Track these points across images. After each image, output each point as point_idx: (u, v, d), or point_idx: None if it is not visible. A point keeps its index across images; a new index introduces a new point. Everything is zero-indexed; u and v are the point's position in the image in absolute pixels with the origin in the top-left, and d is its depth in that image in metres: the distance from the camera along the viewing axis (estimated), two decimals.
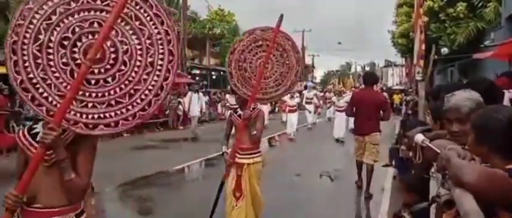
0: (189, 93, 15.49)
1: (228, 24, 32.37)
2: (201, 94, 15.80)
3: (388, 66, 57.17)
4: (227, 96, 17.20)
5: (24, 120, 11.36)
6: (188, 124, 16.66)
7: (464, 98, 2.12)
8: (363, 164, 6.79)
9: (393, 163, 6.82)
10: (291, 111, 14.43)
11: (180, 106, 17.04)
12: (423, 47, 8.35)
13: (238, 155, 4.33)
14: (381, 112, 6.71)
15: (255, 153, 4.48)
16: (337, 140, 13.15)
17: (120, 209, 6.43)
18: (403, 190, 3.03)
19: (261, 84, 4.22)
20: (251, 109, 4.27)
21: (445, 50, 15.68)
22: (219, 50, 31.70)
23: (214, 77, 30.76)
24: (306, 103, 17.06)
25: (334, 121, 14.16)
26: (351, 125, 10.91)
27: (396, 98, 24.35)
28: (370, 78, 7.26)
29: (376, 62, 74.01)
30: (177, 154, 10.75)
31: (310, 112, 16.88)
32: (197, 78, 25.27)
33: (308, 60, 53.13)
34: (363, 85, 7.83)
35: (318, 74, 78.65)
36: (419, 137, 2.20)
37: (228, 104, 16.14)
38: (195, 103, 14.96)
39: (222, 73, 29.54)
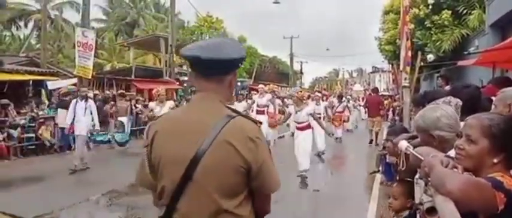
0: (74, 100, 9.99)
1: (216, 31, 32.42)
2: (91, 101, 10.11)
3: (375, 72, 57.71)
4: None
5: (8, 128, 11.25)
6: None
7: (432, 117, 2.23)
8: (373, 131, 14.17)
9: (380, 169, 6.88)
10: None
11: None
12: (409, 53, 8.45)
13: None
14: (380, 106, 14.89)
15: None
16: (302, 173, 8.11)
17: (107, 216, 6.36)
18: (401, 196, 3.04)
19: None
20: None
21: (431, 57, 15.88)
22: None
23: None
24: (257, 113, 12.24)
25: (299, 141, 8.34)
26: (333, 131, 13.85)
27: (386, 103, 24.53)
28: (375, 89, 17.51)
29: (364, 68, 74.63)
30: None
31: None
32: (185, 84, 25.22)
33: (296, 67, 53.37)
34: (372, 93, 16.71)
35: (307, 80, 78.97)
36: (403, 144, 2.22)
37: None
38: (80, 115, 9.56)
39: None
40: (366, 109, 15.93)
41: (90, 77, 15.65)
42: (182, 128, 1.74)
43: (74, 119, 9.55)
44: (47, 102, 14.23)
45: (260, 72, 38.41)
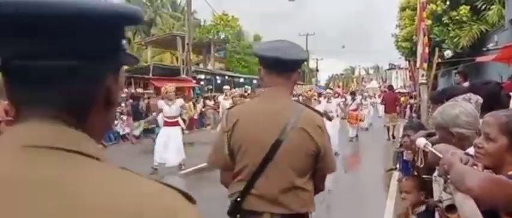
0: None
1: (232, 29, 32.50)
2: None
3: (392, 69, 57.11)
4: (221, 98, 12.93)
5: None
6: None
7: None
8: (389, 126, 14.63)
9: (397, 166, 6.84)
10: None
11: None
12: (426, 50, 8.38)
13: None
14: (396, 102, 15.87)
15: None
16: None
17: None
18: (412, 189, 3.05)
19: None
20: None
21: (448, 53, 15.67)
22: (224, 55, 31.84)
23: (218, 81, 30.92)
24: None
25: None
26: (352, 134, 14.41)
27: (403, 100, 24.30)
28: (391, 86, 18.69)
29: (380, 65, 73.96)
30: None
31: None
32: (202, 82, 25.36)
33: (312, 64, 53.18)
34: (388, 90, 17.93)
35: (322, 78, 78.65)
36: (421, 141, 2.23)
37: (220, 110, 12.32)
38: None
39: (226, 77, 29.63)
40: (383, 106, 16.34)
41: None
42: (262, 117, 2.05)
43: None
44: None
45: None
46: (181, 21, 35.70)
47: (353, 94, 17.12)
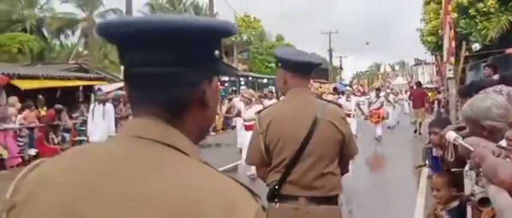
0: (91, 106, 9.90)
1: (255, 31, 32.59)
2: (109, 105, 9.85)
3: (418, 65, 56.07)
4: (235, 100, 11.76)
5: (62, 132, 11.87)
6: None
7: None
8: (417, 121, 14.98)
9: (427, 163, 6.75)
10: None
11: None
12: (453, 43, 8.22)
13: None
14: (424, 98, 16.29)
15: None
16: None
17: None
18: (443, 186, 3.01)
19: None
20: None
21: (476, 46, 15.29)
22: (247, 56, 31.97)
23: (242, 83, 31.08)
24: None
25: None
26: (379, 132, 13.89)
27: (431, 96, 23.87)
28: (418, 83, 18.77)
29: (406, 61, 72.78)
30: None
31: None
32: (226, 84, 25.52)
33: (336, 62, 52.78)
34: (415, 86, 18.06)
35: (347, 75, 77.89)
36: (451, 134, 2.21)
37: (236, 111, 10.79)
38: (98, 121, 9.36)
39: (250, 78, 29.76)
40: (410, 102, 16.46)
41: None
42: (293, 115, 2.34)
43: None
44: None
45: None
46: None
47: (378, 90, 16.54)
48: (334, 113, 2.38)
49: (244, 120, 8.23)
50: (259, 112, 2.50)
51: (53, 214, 0.74)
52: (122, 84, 17.07)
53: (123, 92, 16.74)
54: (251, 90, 9.41)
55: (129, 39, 0.78)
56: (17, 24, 29.95)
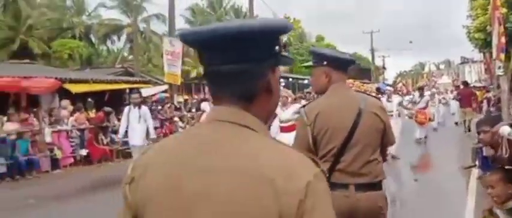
0: (126, 108, 9.39)
1: (294, 32, 32.56)
2: (144, 108, 9.34)
3: (464, 63, 54.08)
4: (204, 104, 10.47)
5: (111, 133, 12.34)
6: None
7: None
8: (465, 120, 14.93)
9: (476, 163, 6.54)
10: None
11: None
12: (503, 39, 7.93)
13: None
14: (472, 97, 16.00)
15: None
16: None
17: None
18: (498, 182, 2.93)
19: None
20: None
21: None
22: None
23: (283, 84, 31.13)
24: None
25: None
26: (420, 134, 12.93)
27: (479, 95, 22.94)
28: (465, 82, 18.54)
29: (451, 59, 70.40)
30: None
31: None
32: (286, 90, 25.61)
33: (378, 62, 51.81)
34: (462, 86, 17.35)
35: (390, 75, 76.12)
36: (505, 129, 2.19)
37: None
38: (134, 125, 8.87)
39: (290, 79, 29.73)
40: (458, 101, 16.31)
41: (179, 83, 16.58)
42: (339, 107, 2.50)
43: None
44: None
45: None
46: None
47: (421, 89, 15.63)
48: (375, 104, 2.60)
49: (281, 121, 7.72)
50: (303, 106, 2.71)
51: (160, 187, 0.96)
52: (166, 87, 17.58)
53: (167, 94, 17.27)
54: (289, 91, 9.03)
55: (206, 44, 0.98)
56: (67, 32, 31.39)
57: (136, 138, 8.79)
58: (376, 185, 2.50)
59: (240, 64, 0.97)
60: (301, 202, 0.88)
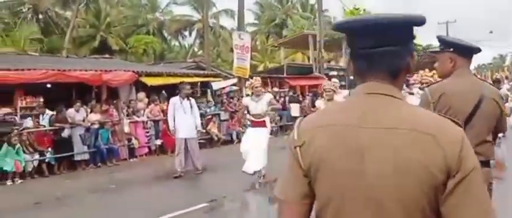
0: (172, 99, 9.33)
1: None
2: (193, 100, 9.34)
3: None
4: (244, 100, 9.12)
5: None
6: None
7: None
8: None
9: None
10: None
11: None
12: None
13: None
14: None
15: None
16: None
17: None
18: None
19: None
20: None
21: None
22: None
23: (351, 77, 30.45)
24: None
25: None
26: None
27: None
28: None
29: None
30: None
31: None
32: (333, 79, 25.22)
33: None
34: None
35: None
36: None
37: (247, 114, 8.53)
38: (184, 117, 8.86)
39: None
40: None
41: (247, 77, 16.81)
42: (462, 91, 2.68)
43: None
44: (212, 101, 15.74)
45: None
46: (311, 21, 36.02)
47: (497, 82, 14.74)
48: (496, 92, 2.84)
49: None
50: (428, 85, 3.09)
51: (331, 145, 1.17)
52: (235, 80, 17.86)
53: (236, 88, 17.55)
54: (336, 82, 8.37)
55: (360, 31, 1.21)
56: (142, 28, 32.98)
57: (183, 131, 8.82)
58: (487, 164, 2.71)
59: (391, 47, 1.19)
60: (461, 150, 1.12)
